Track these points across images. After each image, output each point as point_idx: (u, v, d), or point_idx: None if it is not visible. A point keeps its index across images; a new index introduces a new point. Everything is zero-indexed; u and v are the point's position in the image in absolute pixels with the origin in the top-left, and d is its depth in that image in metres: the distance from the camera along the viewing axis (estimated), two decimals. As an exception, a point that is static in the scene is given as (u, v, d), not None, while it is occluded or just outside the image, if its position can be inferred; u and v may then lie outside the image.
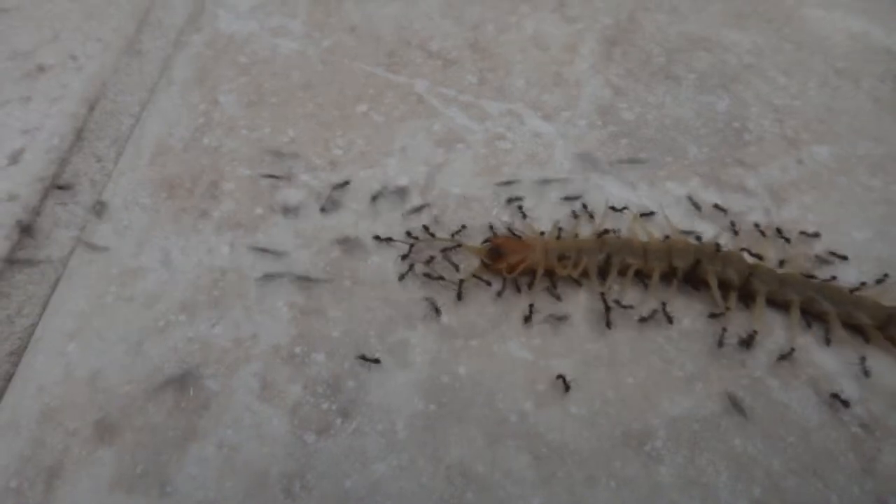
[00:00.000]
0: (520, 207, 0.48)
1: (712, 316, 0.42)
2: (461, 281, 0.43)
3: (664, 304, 0.42)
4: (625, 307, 0.42)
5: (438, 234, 0.46)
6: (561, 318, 0.42)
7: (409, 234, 0.46)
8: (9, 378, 0.40)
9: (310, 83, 0.58)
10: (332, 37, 0.62)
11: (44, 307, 0.43)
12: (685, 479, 0.36)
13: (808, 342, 0.41)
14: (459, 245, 0.45)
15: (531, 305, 0.42)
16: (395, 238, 0.46)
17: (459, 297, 0.43)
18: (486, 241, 0.45)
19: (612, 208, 0.47)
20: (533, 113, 0.55)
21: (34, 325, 0.42)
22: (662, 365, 0.40)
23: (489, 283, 0.43)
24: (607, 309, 0.42)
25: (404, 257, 0.45)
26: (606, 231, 0.45)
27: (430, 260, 0.44)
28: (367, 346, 0.41)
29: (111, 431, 0.38)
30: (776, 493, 0.36)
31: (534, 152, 0.52)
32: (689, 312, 0.43)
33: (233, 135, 0.53)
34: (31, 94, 0.56)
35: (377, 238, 0.46)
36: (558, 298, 0.43)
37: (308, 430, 0.38)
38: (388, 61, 0.60)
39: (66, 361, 0.41)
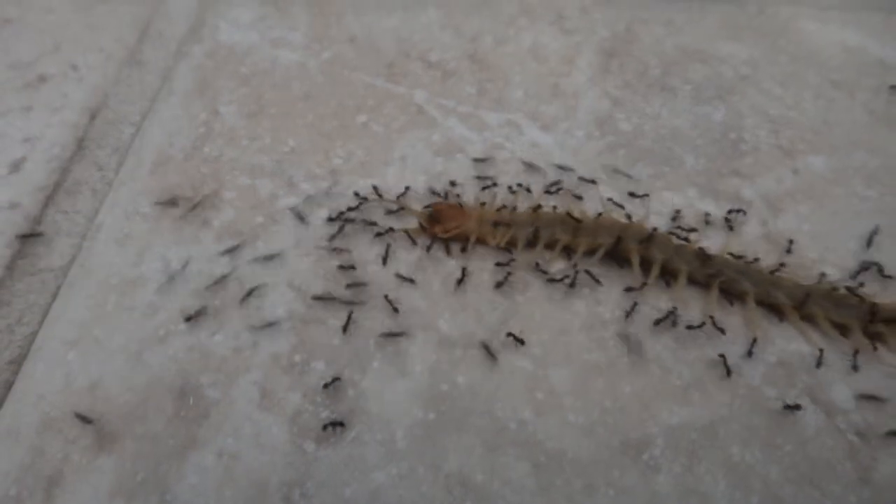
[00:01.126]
0: (479, 177, 0.50)
1: (628, 289, 0.44)
2: (389, 229, 0.46)
3: (575, 266, 0.44)
4: (542, 271, 0.45)
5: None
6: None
7: (356, 194, 0.49)
8: (9, 386, 0.40)
9: (310, 94, 0.58)
10: (332, 48, 0.63)
11: (44, 316, 0.43)
12: (683, 487, 0.36)
13: (805, 351, 0.42)
14: (403, 208, 0.48)
15: (464, 269, 0.45)
16: (344, 212, 0.48)
17: (377, 234, 0.46)
18: (427, 206, 0.48)
19: (548, 192, 0.50)
20: (531, 123, 0.56)
21: (34, 334, 0.42)
22: (660, 374, 0.41)
23: (415, 243, 0.46)
24: (508, 274, 0.45)
25: (348, 210, 0.48)
26: (540, 206, 0.47)
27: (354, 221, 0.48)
28: (367, 353, 0.41)
29: (111, 440, 0.38)
30: (774, 501, 0.36)
31: (532, 162, 0.52)
32: (688, 322, 0.43)
33: (233, 144, 0.54)
34: (32, 103, 0.57)
35: (330, 219, 0.48)
36: (452, 253, 0.46)
37: (308, 439, 0.38)
38: (387, 72, 0.60)
39: (66, 370, 0.41)
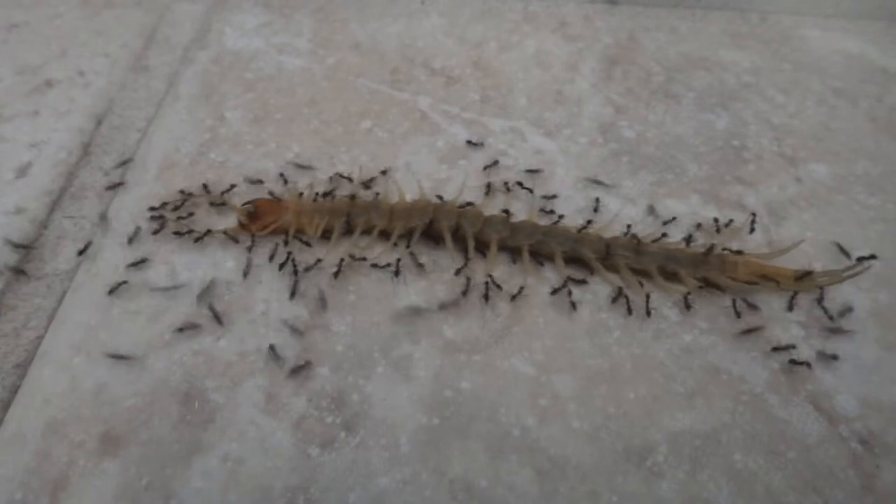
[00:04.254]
0: (281, 174, 0.51)
1: (457, 272, 0.45)
2: (207, 230, 0.47)
3: (398, 260, 0.46)
4: (359, 259, 0.46)
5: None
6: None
7: (182, 191, 0.50)
8: (15, 390, 0.40)
9: (314, 99, 0.58)
10: (337, 54, 0.63)
11: (50, 320, 0.44)
12: (687, 494, 0.37)
13: (807, 357, 0.42)
14: (224, 203, 0.49)
15: (289, 253, 0.46)
16: (168, 202, 0.49)
17: (196, 239, 0.47)
18: (247, 202, 0.48)
19: (367, 183, 0.51)
20: (535, 130, 0.56)
21: (40, 338, 0.43)
22: (663, 380, 0.41)
23: (237, 241, 0.47)
24: (342, 262, 0.45)
25: (175, 209, 0.49)
26: (354, 196, 0.48)
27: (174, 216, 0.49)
28: (371, 359, 0.42)
29: (116, 444, 0.38)
30: (777, 508, 0.36)
31: (536, 169, 0.53)
32: (690, 329, 0.43)
33: (238, 150, 0.54)
34: (38, 108, 0.57)
35: (153, 209, 0.49)
36: (308, 244, 0.47)
37: (312, 444, 0.38)
38: (391, 78, 0.60)
39: (71, 374, 0.41)
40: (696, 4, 0.68)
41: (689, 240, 0.47)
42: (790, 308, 0.44)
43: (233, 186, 0.50)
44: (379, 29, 0.66)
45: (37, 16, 0.67)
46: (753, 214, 0.49)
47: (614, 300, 0.44)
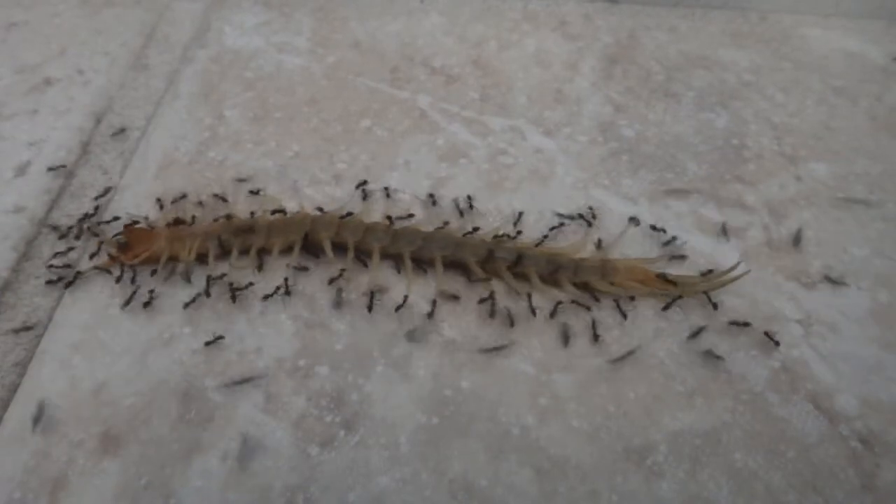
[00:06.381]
0: (158, 199, 0.49)
1: (331, 281, 0.44)
2: (77, 272, 0.45)
3: (286, 280, 0.44)
4: (245, 288, 0.44)
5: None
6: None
7: (68, 227, 0.48)
8: (14, 389, 0.40)
9: (314, 98, 0.58)
10: (337, 53, 0.63)
11: (49, 319, 0.43)
12: (687, 493, 0.36)
13: (807, 356, 0.42)
14: (98, 235, 0.47)
15: (151, 291, 0.44)
16: (63, 226, 0.48)
17: (67, 285, 0.45)
18: (117, 234, 0.47)
19: (252, 193, 0.50)
20: (534, 129, 0.56)
21: (40, 337, 0.43)
22: (663, 380, 0.41)
23: (111, 272, 0.45)
24: (232, 286, 0.44)
25: (74, 237, 0.47)
26: (230, 216, 0.47)
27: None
28: (370, 358, 0.42)
29: (116, 443, 0.38)
30: (777, 508, 0.36)
31: (535, 167, 0.53)
32: (690, 329, 0.43)
33: (238, 149, 0.54)
34: (38, 107, 0.57)
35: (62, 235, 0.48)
36: (188, 280, 0.45)
37: (311, 443, 0.38)
38: (391, 77, 0.60)
39: (71, 373, 0.41)
40: (695, 3, 0.68)
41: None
42: (666, 308, 0.44)
43: (115, 218, 0.48)
44: (379, 27, 0.66)
45: (36, 14, 0.67)
46: (632, 218, 0.48)
47: (481, 301, 0.44)
